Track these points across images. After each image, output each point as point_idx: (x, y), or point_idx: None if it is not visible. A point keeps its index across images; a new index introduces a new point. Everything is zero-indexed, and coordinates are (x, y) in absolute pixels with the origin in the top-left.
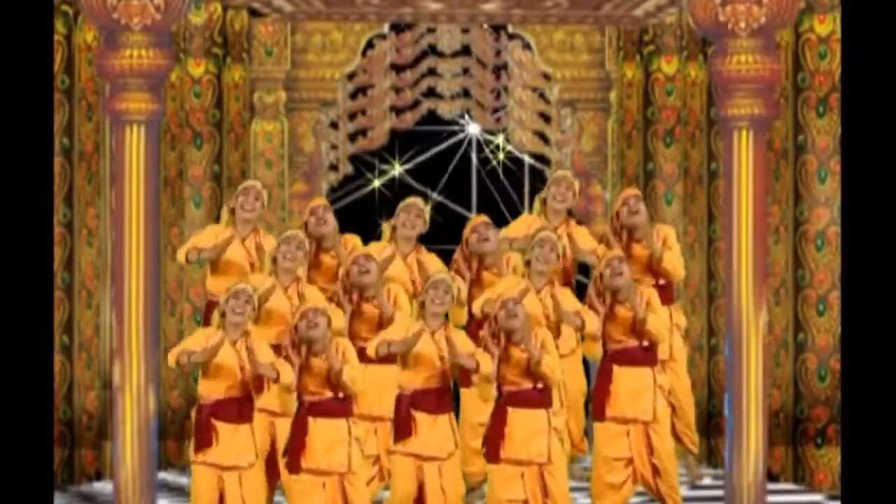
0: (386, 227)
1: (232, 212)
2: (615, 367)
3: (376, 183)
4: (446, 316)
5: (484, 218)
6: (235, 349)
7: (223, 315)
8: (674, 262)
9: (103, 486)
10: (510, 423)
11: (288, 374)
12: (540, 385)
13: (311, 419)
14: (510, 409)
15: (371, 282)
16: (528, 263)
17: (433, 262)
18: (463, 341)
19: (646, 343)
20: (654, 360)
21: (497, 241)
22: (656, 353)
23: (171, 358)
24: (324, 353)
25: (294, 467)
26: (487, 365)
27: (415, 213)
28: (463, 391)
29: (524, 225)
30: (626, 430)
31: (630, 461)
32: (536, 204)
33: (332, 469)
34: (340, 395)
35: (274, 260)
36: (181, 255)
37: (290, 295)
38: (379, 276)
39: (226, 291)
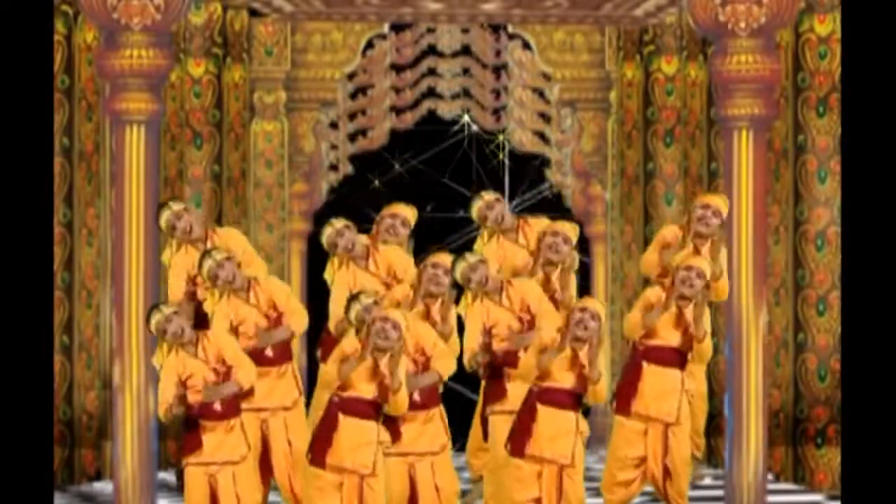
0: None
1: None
2: (644, 364)
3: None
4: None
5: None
6: (198, 357)
7: (169, 340)
8: (725, 286)
9: (103, 486)
10: (539, 420)
11: (247, 377)
12: (582, 391)
13: (341, 416)
14: (540, 407)
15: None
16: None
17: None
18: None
19: (683, 347)
20: (684, 363)
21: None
22: (686, 357)
23: (161, 415)
24: (391, 362)
25: (318, 461)
26: (448, 368)
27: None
28: (484, 384)
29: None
30: (645, 429)
31: (643, 460)
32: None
33: (356, 469)
34: (378, 399)
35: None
36: (176, 296)
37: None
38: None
39: (164, 318)
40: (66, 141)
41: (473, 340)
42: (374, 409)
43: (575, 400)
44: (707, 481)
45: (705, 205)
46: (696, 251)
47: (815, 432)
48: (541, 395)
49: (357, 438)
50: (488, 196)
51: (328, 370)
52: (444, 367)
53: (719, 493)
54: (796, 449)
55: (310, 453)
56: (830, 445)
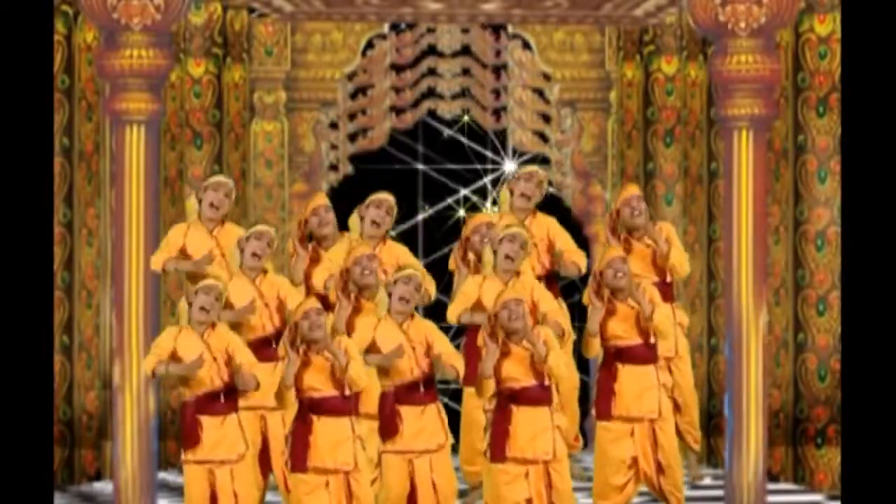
0: (354, 219)
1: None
2: (619, 365)
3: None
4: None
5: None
6: (205, 341)
7: (190, 308)
8: (680, 259)
9: (103, 486)
10: (514, 422)
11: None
12: (546, 382)
13: (314, 417)
14: (514, 408)
15: (374, 282)
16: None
17: (404, 254)
18: (438, 336)
19: (651, 340)
20: (656, 357)
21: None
22: (657, 350)
23: (147, 366)
24: (326, 351)
25: (299, 466)
26: (462, 369)
27: (385, 209)
28: (466, 390)
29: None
30: (631, 430)
31: (634, 461)
32: (503, 197)
33: (339, 467)
34: (346, 392)
35: (241, 251)
36: (157, 265)
37: (258, 286)
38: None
39: (195, 288)
40: (66, 141)
41: (467, 301)
42: (343, 404)
43: (545, 394)
44: (707, 481)
45: (626, 200)
46: (628, 246)
47: (815, 432)
48: (513, 396)
49: (334, 437)
50: (528, 169)
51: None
52: (461, 367)
53: (719, 493)
54: (796, 449)
55: (289, 460)
56: (830, 445)
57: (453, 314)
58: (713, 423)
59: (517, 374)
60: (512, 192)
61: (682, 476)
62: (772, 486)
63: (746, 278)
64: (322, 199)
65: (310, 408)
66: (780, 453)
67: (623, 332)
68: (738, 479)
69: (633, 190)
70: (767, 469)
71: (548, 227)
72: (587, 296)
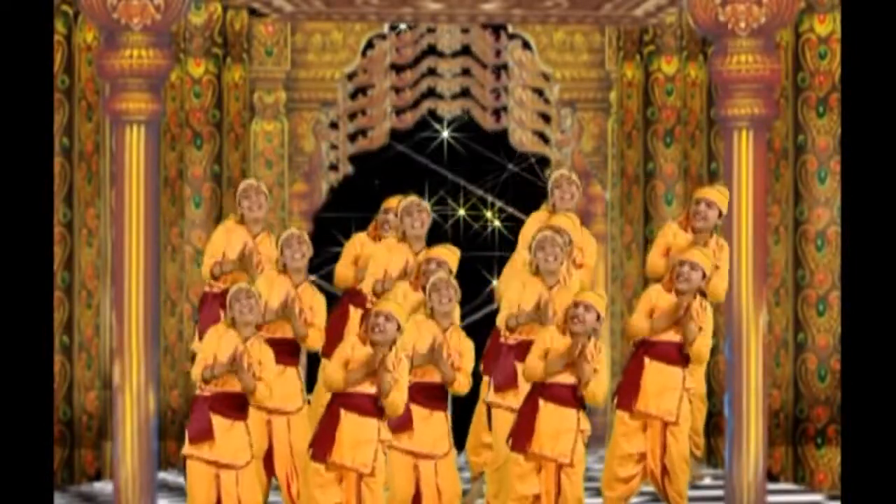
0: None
1: (242, 217)
2: (647, 360)
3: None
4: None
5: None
6: (247, 346)
7: (233, 318)
8: (718, 285)
9: (103, 486)
10: (541, 417)
11: (263, 391)
12: (579, 385)
13: (343, 412)
14: (542, 402)
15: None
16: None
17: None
18: (466, 348)
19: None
20: (686, 360)
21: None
22: (688, 355)
23: (196, 373)
24: (380, 355)
25: (320, 456)
26: (464, 386)
27: (417, 210)
28: (484, 380)
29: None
30: (644, 426)
31: (643, 456)
32: (544, 207)
33: (356, 467)
34: (378, 394)
35: (284, 265)
36: (206, 271)
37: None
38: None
39: (230, 293)
40: (66, 141)
41: (517, 301)
42: (374, 405)
43: (576, 396)
44: (707, 481)
45: (699, 199)
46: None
47: (815, 432)
48: (543, 391)
49: (358, 435)
50: (566, 173)
51: (332, 375)
52: (466, 379)
53: (719, 493)
54: (796, 449)
55: (311, 448)
56: (830, 445)
57: (501, 322)
58: (713, 423)
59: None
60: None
61: (686, 484)
62: (772, 486)
63: (746, 278)
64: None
65: (341, 401)
66: (780, 453)
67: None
68: (738, 479)
69: (707, 192)
70: (767, 469)
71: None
72: (656, 289)
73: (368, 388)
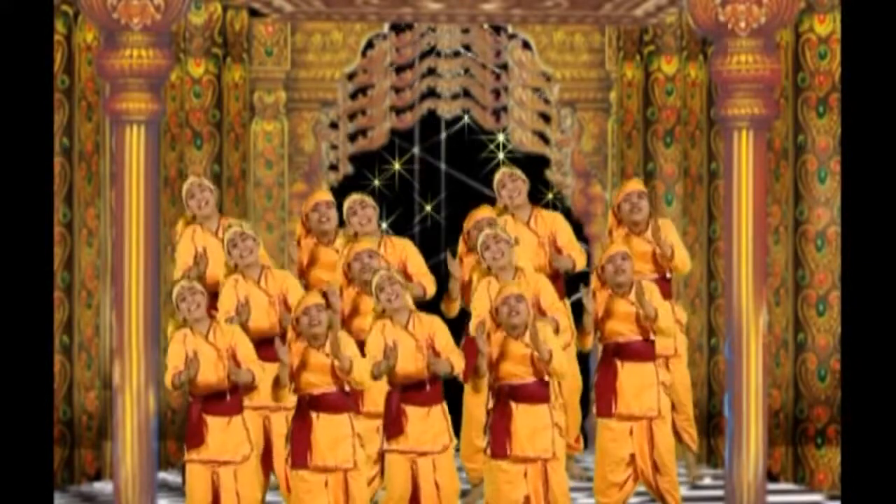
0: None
1: (193, 217)
2: (618, 363)
3: None
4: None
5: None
6: (209, 342)
7: (184, 318)
8: (683, 258)
9: (103, 486)
10: (515, 419)
11: (258, 373)
12: (545, 378)
13: (313, 414)
14: (513, 405)
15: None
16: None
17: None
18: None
19: (651, 337)
20: (654, 354)
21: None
22: (655, 347)
23: (168, 381)
24: (325, 346)
25: (300, 463)
26: (460, 365)
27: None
28: (467, 386)
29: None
30: (630, 428)
31: (633, 459)
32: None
33: (339, 465)
34: (346, 388)
35: (235, 265)
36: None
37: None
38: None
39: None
40: (66, 141)
41: (483, 309)
42: (343, 400)
43: (544, 391)
44: (707, 481)
45: (629, 193)
46: (628, 241)
47: (815, 432)
48: (512, 393)
49: (334, 434)
50: (508, 171)
51: (365, 370)
52: (458, 363)
53: (719, 493)
54: (796, 449)
55: (290, 457)
56: (830, 445)
57: (472, 328)
58: (713, 423)
59: (517, 370)
60: (500, 196)
61: (676, 473)
62: (772, 486)
63: (746, 278)
64: (324, 195)
65: (309, 405)
66: (780, 453)
67: (623, 329)
68: (738, 479)
69: (633, 185)
70: (767, 469)
71: (552, 222)
72: (591, 290)
73: (327, 386)
